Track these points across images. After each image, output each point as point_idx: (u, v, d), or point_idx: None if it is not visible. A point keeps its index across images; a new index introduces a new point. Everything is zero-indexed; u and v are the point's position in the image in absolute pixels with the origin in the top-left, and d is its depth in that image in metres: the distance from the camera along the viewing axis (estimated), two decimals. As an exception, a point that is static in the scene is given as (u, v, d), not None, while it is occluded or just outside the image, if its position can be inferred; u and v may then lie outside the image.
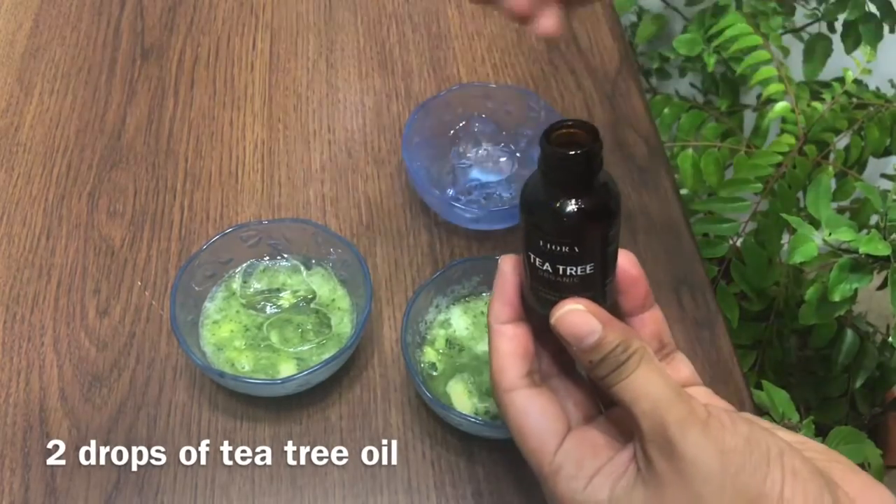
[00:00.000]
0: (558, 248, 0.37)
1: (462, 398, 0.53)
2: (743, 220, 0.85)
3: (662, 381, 0.36)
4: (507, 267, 0.41)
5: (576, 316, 0.37)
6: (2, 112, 0.71)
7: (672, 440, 0.34)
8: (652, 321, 0.42)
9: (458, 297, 0.57)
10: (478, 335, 0.56)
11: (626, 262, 0.41)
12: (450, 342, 0.55)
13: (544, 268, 0.38)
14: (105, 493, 0.51)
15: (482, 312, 0.57)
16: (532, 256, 0.39)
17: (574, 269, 0.38)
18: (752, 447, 0.34)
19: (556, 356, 0.42)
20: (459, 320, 0.56)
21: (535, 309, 0.40)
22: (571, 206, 0.36)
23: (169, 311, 0.52)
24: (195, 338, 0.54)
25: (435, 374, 0.54)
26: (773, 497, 0.33)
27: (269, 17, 0.79)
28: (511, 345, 0.41)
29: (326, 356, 0.52)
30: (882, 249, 0.63)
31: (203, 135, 0.69)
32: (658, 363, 0.37)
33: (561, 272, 0.38)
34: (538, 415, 0.39)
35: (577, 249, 0.37)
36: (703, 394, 0.40)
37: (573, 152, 0.36)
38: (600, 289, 0.39)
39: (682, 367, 0.42)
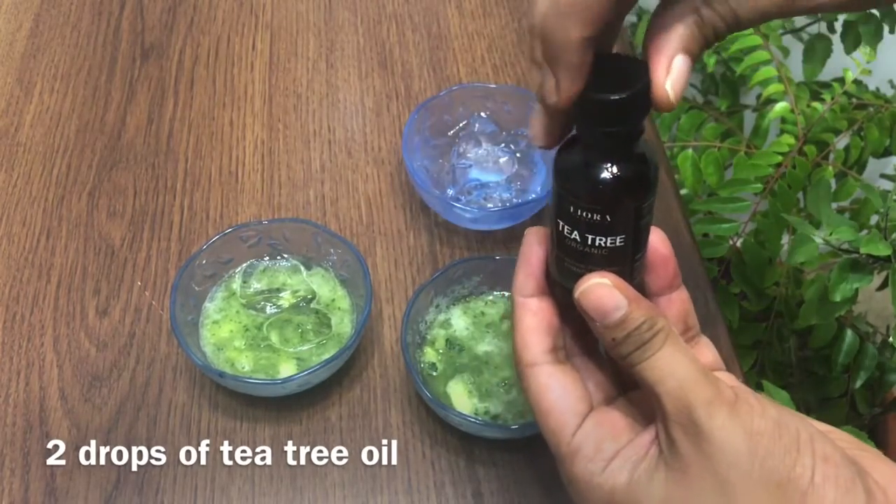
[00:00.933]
0: (589, 216, 0.35)
1: (462, 398, 0.53)
2: (743, 220, 0.85)
3: (688, 362, 0.35)
4: (533, 239, 0.40)
5: (601, 290, 0.36)
6: (2, 112, 0.71)
7: (698, 421, 0.33)
8: (679, 302, 0.40)
9: (458, 298, 0.57)
10: (478, 335, 0.56)
11: (656, 239, 0.39)
12: (450, 342, 0.55)
13: (573, 236, 0.36)
14: (105, 493, 0.51)
15: (482, 313, 0.57)
16: (561, 224, 0.37)
17: (603, 239, 0.36)
18: (781, 431, 0.33)
19: (578, 335, 0.41)
20: (459, 320, 0.56)
21: (558, 282, 0.39)
22: (608, 170, 0.35)
23: (169, 311, 0.52)
24: (195, 338, 0.54)
25: (435, 374, 0.54)
26: (804, 482, 0.32)
27: (269, 17, 0.79)
28: (535, 319, 0.39)
29: (326, 356, 0.52)
30: (882, 249, 0.63)
31: (203, 135, 0.69)
32: (684, 344, 0.36)
33: (590, 242, 0.36)
34: (560, 392, 0.38)
35: (608, 218, 0.35)
36: (727, 379, 0.38)
37: (616, 97, 0.33)
38: (629, 264, 0.37)
39: (707, 352, 0.41)
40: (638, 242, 0.37)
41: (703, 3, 0.33)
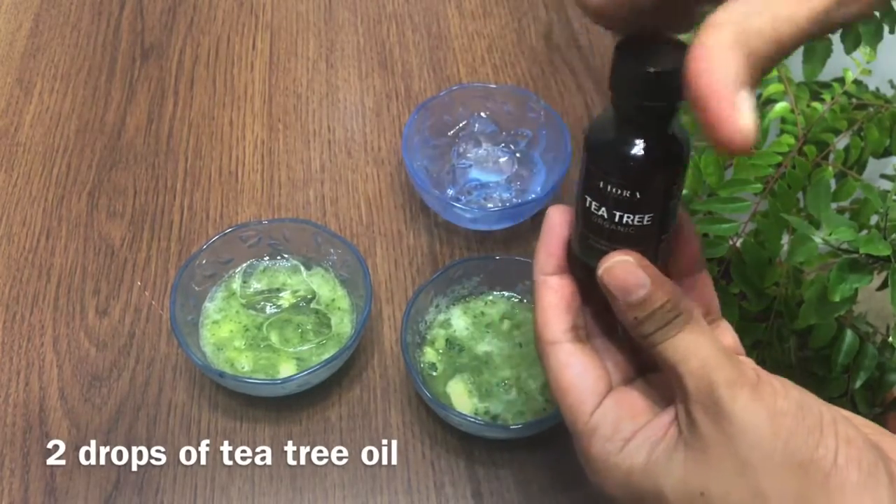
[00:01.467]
0: (619, 192, 0.35)
1: (462, 398, 0.53)
2: (743, 220, 0.85)
3: (711, 342, 0.35)
4: (556, 217, 0.39)
5: (624, 267, 0.36)
6: (1, 112, 0.71)
7: (720, 401, 0.33)
8: (701, 284, 0.40)
9: (458, 298, 0.57)
10: (478, 335, 0.56)
11: (681, 221, 0.39)
12: (450, 342, 0.55)
13: (600, 213, 0.36)
14: (105, 493, 0.51)
15: (482, 313, 0.57)
16: (588, 200, 0.36)
17: (631, 217, 0.35)
18: (804, 413, 0.32)
19: (598, 315, 0.41)
20: (459, 320, 0.56)
21: (581, 261, 0.38)
22: (641, 146, 0.34)
23: (169, 311, 0.52)
24: (195, 338, 0.54)
25: (435, 374, 0.54)
26: (826, 464, 0.31)
27: (269, 17, 0.79)
28: (556, 297, 0.39)
29: (326, 356, 0.52)
30: (882, 249, 0.63)
31: (203, 135, 0.69)
32: (706, 325, 0.36)
33: (617, 219, 0.36)
34: (580, 371, 0.38)
35: (638, 196, 0.35)
36: (748, 363, 0.38)
37: (659, 70, 0.32)
38: (654, 244, 0.37)
39: (728, 335, 0.40)
40: (665, 222, 0.37)
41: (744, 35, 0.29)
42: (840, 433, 0.32)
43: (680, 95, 0.32)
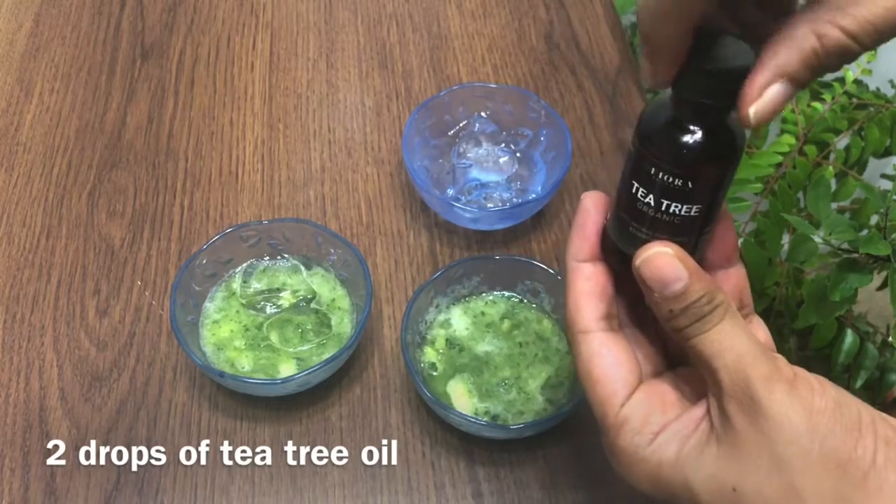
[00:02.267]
0: (670, 180, 0.35)
1: (462, 398, 0.53)
2: (743, 220, 0.85)
3: (747, 337, 0.34)
4: (590, 203, 0.39)
5: (662, 259, 0.35)
6: (2, 112, 0.71)
7: (756, 396, 0.32)
8: (736, 277, 0.39)
9: (459, 297, 0.57)
10: (478, 335, 0.56)
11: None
12: (450, 342, 0.55)
13: (646, 200, 0.36)
14: (105, 493, 0.51)
15: (482, 312, 0.57)
16: (636, 186, 0.36)
17: (679, 206, 0.35)
18: (842, 411, 0.32)
19: (630, 305, 0.40)
20: (459, 320, 0.56)
21: (616, 248, 0.38)
22: (698, 136, 0.34)
23: (169, 311, 0.52)
24: (195, 338, 0.54)
25: (435, 374, 0.54)
26: (865, 464, 0.31)
27: (270, 17, 0.79)
28: (589, 284, 0.38)
29: (326, 356, 0.52)
30: (882, 249, 0.63)
31: (203, 135, 0.69)
32: (742, 320, 0.35)
33: (664, 208, 0.35)
34: (612, 361, 0.37)
35: (690, 185, 0.35)
36: (783, 360, 0.36)
37: (719, 69, 0.33)
38: (696, 236, 0.37)
39: (761, 330, 0.40)
40: (710, 215, 0.37)
41: (829, 23, 0.31)
42: (879, 433, 0.32)
43: (738, 94, 0.33)
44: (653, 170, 0.35)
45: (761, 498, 0.32)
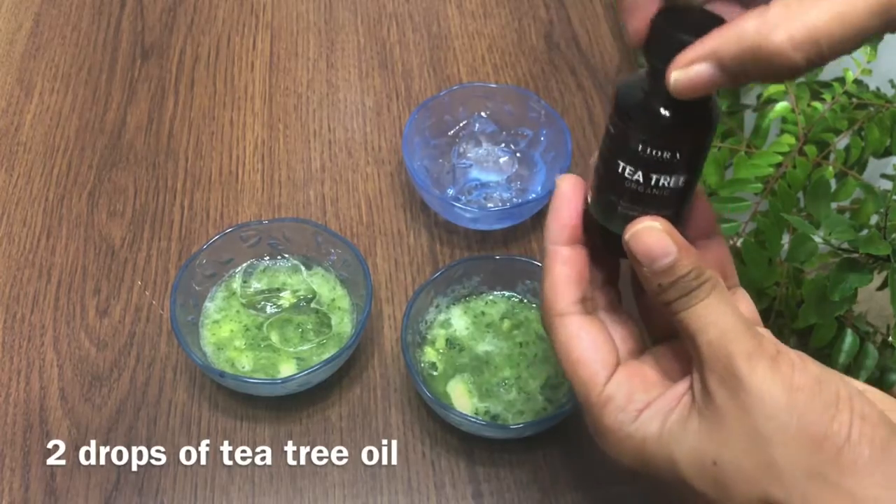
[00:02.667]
0: (658, 154, 0.35)
1: (462, 398, 0.53)
2: (743, 220, 0.85)
3: (731, 312, 0.35)
4: (567, 186, 0.39)
5: (652, 234, 0.35)
6: (2, 112, 0.71)
7: (737, 372, 0.33)
8: (717, 249, 0.40)
9: (459, 297, 0.57)
10: (478, 335, 0.56)
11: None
12: (450, 342, 0.55)
13: (635, 178, 0.36)
14: (105, 493, 0.51)
15: (482, 312, 0.57)
16: (622, 165, 0.36)
17: (668, 179, 0.36)
18: (821, 387, 0.33)
19: (603, 288, 0.41)
20: (459, 320, 0.56)
21: (601, 228, 0.38)
22: (681, 106, 0.34)
23: (169, 311, 0.52)
24: (195, 337, 0.54)
25: (435, 373, 0.54)
26: (840, 439, 0.32)
27: (270, 17, 0.79)
28: (566, 268, 0.39)
29: (326, 356, 0.52)
30: (882, 249, 0.63)
31: (203, 135, 0.69)
32: (728, 296, 0.36)
33: (653, 182, 0.36)
34: (590, 343, 0.38)
35: (678, 156, 0.35)
36: (767, 335, 0.37)
37: (693, 37, 0.33)
38: (681, 208, 0.38)
39: (745, 304, 0.40)
40: (693, 184, 0.37)
41: (777, 27, 0.30)
42: (856, 409, 0.32)
43: None
44: (640, 146, 0.35)
45: (740, 471, 0.33)
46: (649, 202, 0.37)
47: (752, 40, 0.31)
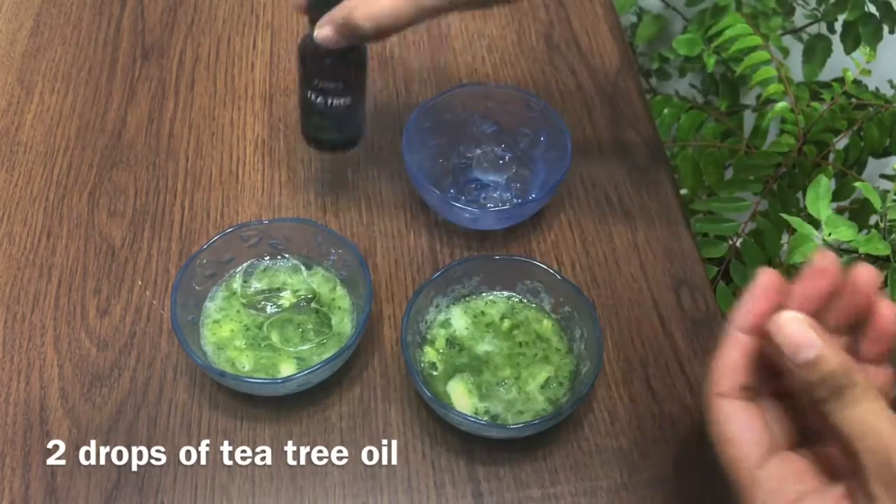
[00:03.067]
0: (327, 84, 0.54)
1: (462, 398, 0.53)
2: (742, 220, 0.85)
3: (889, 420, 0.35)
4: (767, 281, 0.41)
5: (794, 324, 0.36)
6: (2, 111, 0.71)
7: None
8: (884, 376, 0.40)
9: (459, 297, 0.57)
10: (478, 335, 0.56)
11: (886, 305, 0.39)
12: (450, 342, 0.55)
13: (318, 100, 0.54)
14: (105, 493, 0.51)
15: (482, 312, 0.57)
16: (309, 93, 0.54)
17: (339, 100, 0.54)
18: None
19: (770, 378, 0.41)
20: (459, 320, 0.56)
21: None
22: (337, 51, 0.51)
23: (169, 311, 0.52)
24: (196, 337, 0.54)
25: (435, 373, 0.54)
26: None
27: (270, 17, 0.79)
28: (740, 354, 0.40)
29: (327, 356, 0.52)
30: (882, 249, 0.63)
31: (203, 134, 0.69)
32: (882, 401, 0.36)
33: (330, 103, 0.54)
34: (746, 425, 0.38)
35: (341, 85, 0.53)
36: None
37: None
38: (350, 121, 0.55)
39: None
40: (357, 104, 0.55)
41: (354, 10, 0.48)
42: None
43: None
44: (315, 81, 0.53)
45: None
46: (330, 115, 0.54)
47: (345, 14, 0.48)
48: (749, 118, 1.05)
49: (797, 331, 0.36)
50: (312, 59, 0.53)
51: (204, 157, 0.68)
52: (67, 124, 0.70)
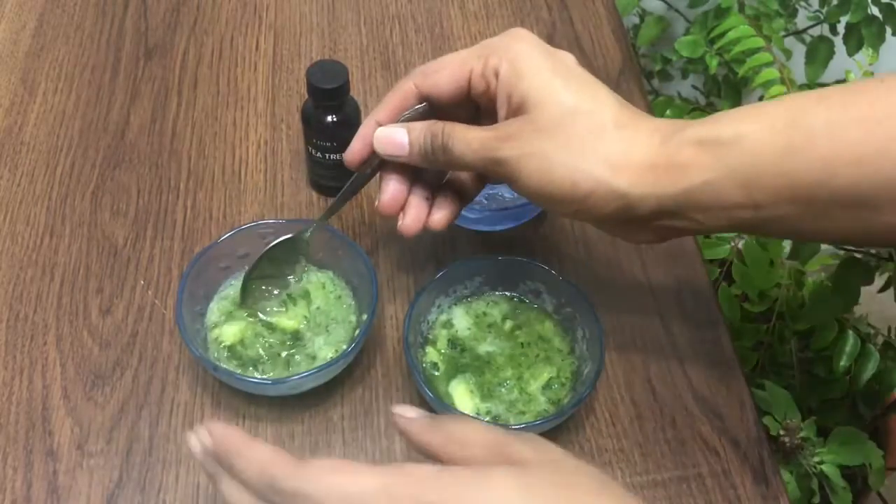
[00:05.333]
0: (324, 143, 0.61)
1: (464, 398, 0.53)
2: (744, 221, 0.84)
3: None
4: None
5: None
6: (6, 111, 0.71)
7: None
8: None
9: (460, 298, 0.57)
10: (480, 336, 0.56)
11: None
12: (452, 342, 0.55)
13: (317, 155, 0.63)
14: (107, 492, 0.51)
15: (484, 313, 0.57)
16: (311, 149, 0.62)
17: (334, 155, 0.61)
18: None
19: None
20: (461, 320, 0.56)
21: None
22: (333, 115, 0.60)
23: (173, 310, 0.53)
24: (199, 337, 0.54)
25: (437, 374, 0.54)
26: None
27: (273, 18, 0.80)
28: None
29: (329, 357, 0.52)
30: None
31: (206, 134, 0.70)
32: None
33: (329, 158, 0.62)
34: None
35: (335, 144, 0.61)
36: None
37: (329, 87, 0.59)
38: (345, 172, 0.55)
39: None
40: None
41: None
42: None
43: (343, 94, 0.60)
44: (315, 139, 0.61)
45: None
46: (329, 167, 0.62)
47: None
48: (751, 120, 1.05)
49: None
50: (310, 121, 0.60)
51: (206, 157, 0.68)
52: (70, 124, 0.70)
